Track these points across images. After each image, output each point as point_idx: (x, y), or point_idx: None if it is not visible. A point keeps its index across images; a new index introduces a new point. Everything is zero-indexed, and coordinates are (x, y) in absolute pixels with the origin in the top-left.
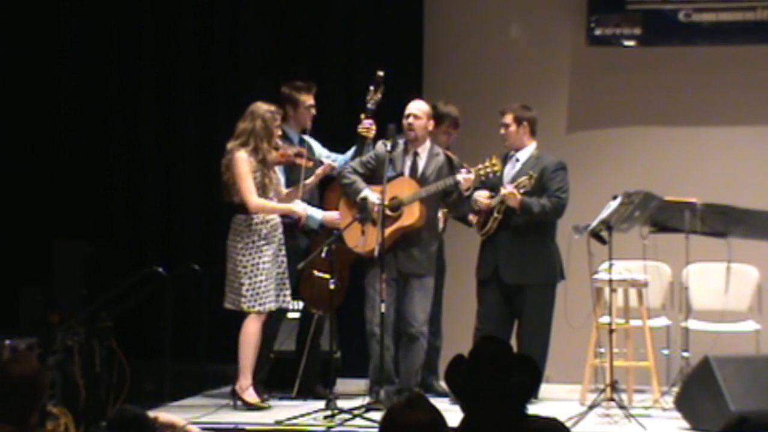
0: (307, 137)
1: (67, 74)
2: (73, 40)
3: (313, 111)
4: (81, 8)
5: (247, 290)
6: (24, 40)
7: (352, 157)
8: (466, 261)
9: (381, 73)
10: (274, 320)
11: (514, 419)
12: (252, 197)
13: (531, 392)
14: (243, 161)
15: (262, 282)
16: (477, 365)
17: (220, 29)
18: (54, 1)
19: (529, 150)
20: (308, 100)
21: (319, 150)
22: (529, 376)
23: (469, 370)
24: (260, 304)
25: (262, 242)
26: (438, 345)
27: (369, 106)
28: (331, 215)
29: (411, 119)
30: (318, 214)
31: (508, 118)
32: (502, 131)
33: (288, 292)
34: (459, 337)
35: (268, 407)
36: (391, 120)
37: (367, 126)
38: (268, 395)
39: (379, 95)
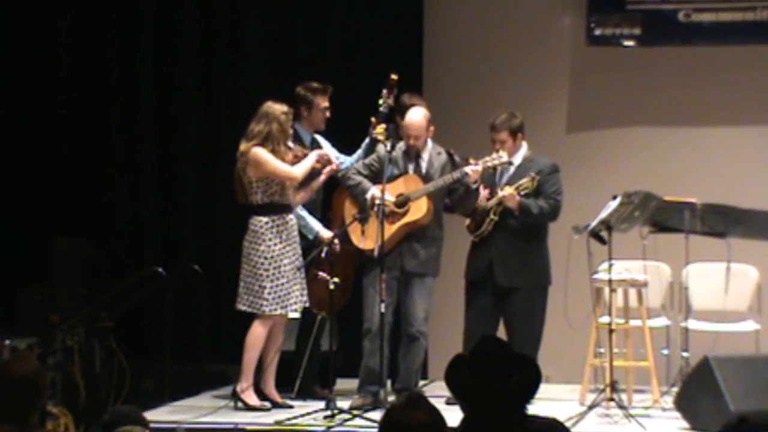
0: (318, 137)
1: (67, 74)
2: (73, 40)
3: (327, 113)
4: (81, 9)
5: (269, 293)
6: (24, 41)
7: (361, 159)
8: (455, 262)
9: (395, 76)
10: None
11: (514, 419)
12: (291, 172)
13: (531, 393)
14: (264, 153)
15: (284, 285)
16: (477, 365)
17: (220, 29)
18: (54, 1)
19: (521, 152)
20: (323, 102)
21: (329, 151)
22: (529, 376)
23: (469, 370)
24: (282, 307)
25: (284, 244)
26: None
27: (381, 109)
28: (326, 235)
29: (412, 141)
30: (316, 225)
31: (503, 135)
32: (497, 147)
33: (305, 291)
34: (447, 338)
35: (268, 409)
36: (390, 120)
37: (380, 130)
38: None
39: (392, 99)
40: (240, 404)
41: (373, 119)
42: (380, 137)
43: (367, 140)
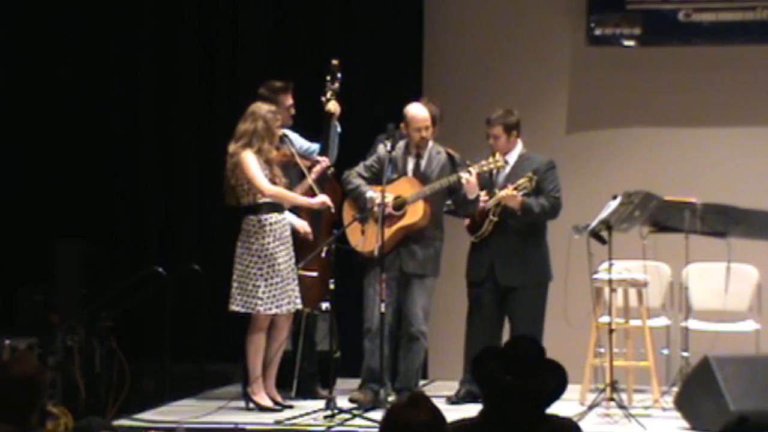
0: (287, 131)
1: (67, 74)
2: (73, 40)
3: (293, 110)
4: (81, 9)
5: (264, 293)
6: (25, 40)
7: (321, 138)
8: (456, 263)
9: (336, 62)
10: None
11: (533, 418)
12: (266, 185)
13: (555, 398)
14: (250, 157)
15: (278, 284)
16: (508, 362)
17: (220, 29)
18: (55, 1)
19: (516, 151)
20: (287, 100)
21: (300, 142)
22: (557, 381)
23: (499, 365)
24: (277, 306)
25: (277, 243)
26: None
27: (328, 96)
28: (302, 224)
29: (424, 132)
30: (289, 217)
31: (498, 131)
32: (491, 142)
33: (297, 291)
34: (447, 338)
35: (280, 409)
36: (391, 120)
37: (333, 105)
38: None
39: (336, 85)
40: (252, 405)
41: (323, 98)
42: (333, 110)
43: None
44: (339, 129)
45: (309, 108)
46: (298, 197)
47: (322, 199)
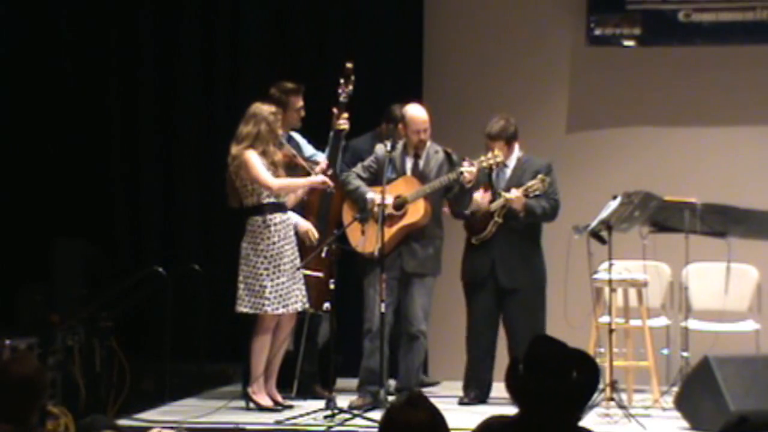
0: (296, 135)
1: (67, 74)
2: (74, 39)
3: (302, 112)
4: (81, 8)
5: (270, 293)
6: (24, 39)
7: (330, 153)
8: (455, 262)
9: (350, 65)
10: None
11: (574, 420)
12: (272, 180)
13: (592, 389)
14: (254, 157)
15: (284, 283)
16: (534, 366)
17: (220, 29)
18: (55, 1)
19: (515, 155)
20: (298, 102)
21: (306, 148)
22: (588, 371)
23: (526, 372)
24: (284, 306)
25: (282, 242)
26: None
27: (341, 99)
28: (306, 225)
29: (422, 135)
30: (294, 217)
31: (500, 144)
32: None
33: (304, 290)
34: (447, 338)
35: (280, 409)
36: (391, 121)
37: (343, 120)
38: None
39: (350, 87)
40: (252, 405)
41: (334, 110)
42: (343, 126)
43: (331, 133)
44: (344, 143)
45: (309, 108)
46: (299, 180)
47: (322, 178)
